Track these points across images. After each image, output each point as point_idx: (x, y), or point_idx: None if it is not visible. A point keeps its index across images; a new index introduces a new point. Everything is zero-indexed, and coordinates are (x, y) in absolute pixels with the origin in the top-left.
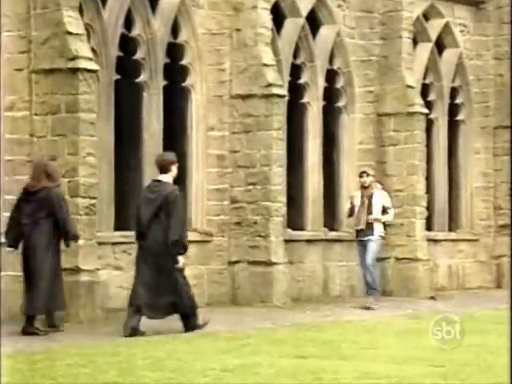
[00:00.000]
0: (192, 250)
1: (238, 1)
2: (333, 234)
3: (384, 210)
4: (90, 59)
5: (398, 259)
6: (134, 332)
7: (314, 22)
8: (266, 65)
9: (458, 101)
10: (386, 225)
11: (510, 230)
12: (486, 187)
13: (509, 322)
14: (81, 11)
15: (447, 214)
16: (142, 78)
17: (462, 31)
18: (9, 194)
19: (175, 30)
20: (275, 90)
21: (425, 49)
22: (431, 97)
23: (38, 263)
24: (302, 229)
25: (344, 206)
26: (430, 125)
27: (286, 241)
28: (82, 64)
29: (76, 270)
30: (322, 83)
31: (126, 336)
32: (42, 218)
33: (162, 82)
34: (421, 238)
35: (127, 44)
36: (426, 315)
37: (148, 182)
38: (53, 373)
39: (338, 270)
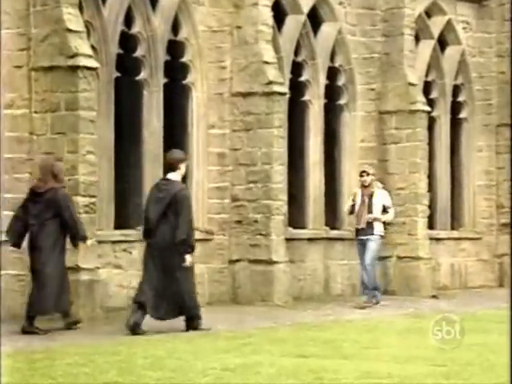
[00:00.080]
0: None
1: None
2: (334, 233)
3: (384, 210)
4: (90, 57)
5: (399, 258)
6: (136, 327)
7: (315, 19)
8: (266, 62)
9: (460, 98)
10: (386, 224)
11: (509, 228)
12: (488, 185)
13: (509, 322)
14: (81, 8)
15: (449, 212)
16: (142, 75)
17: (464, 28)
18: (8, 193)
19: (175, 27)
20: (276, 88)
21: (427, 46)
22: (433, 94)
23: (45, 264)
24: (303, 227)
25: (345, 204)
26: (432, 123)
27: (287, 239)
28: (82, 61)
29: (76, 269)
30: (323, 81)
31: (128, 331)
32: (48, 218)
33: (163, 80)
34: (423, 236)
35: (127, 41)
36: (428, 314)
37: (147, 181)
38: (52, 372)
39: (339, 268)
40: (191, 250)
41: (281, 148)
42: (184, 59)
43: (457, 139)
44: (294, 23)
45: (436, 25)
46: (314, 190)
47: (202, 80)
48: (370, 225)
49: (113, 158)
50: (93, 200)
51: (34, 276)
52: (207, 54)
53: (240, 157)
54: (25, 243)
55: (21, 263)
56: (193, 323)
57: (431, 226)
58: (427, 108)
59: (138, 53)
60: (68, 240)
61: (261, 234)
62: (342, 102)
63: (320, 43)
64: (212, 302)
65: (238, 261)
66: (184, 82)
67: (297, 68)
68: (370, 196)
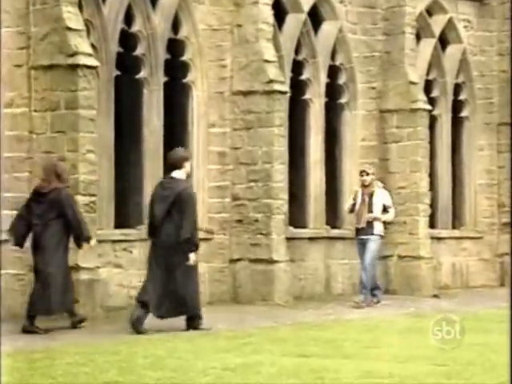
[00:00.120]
0: None
1: None
2: (335, 232)
3: (385, 209)
4: (90, 55)
5: (400, 257)
6: (138, 323)
7: (315, 17)
8: (267, 61)
9: (461, 97)
10: (386, 223)
11: (510, 227)
12: (489, 184)
13: (509, 321)
14: (80, 7)
15: (451, 211)
16: (142, 74)
17: (465, 27)
18: (8, 192)
19: (176, 25)
20: (277, 87)
21: (428, 45)
22: (434, 93)
23: (49, 264)
24: (303, 226)
25: (346, 203)
26: (433, 121)
27: (288, 238)
28: (82, 60)
29: (76, 268)
30: (324, 79)
31: (130, 327)
32: (52, 218)
33: (163, 79)
34: (424, 235)
35: (127, 40)
36: (429, 314)
37: (147, 179)
38: (52, 372)
39: (340, 267)
40: (195, 248)
41: (281, 147)
42: (184, 58)
43: (458, 138)
44: (295, 22)
45: (437, 23)
46: (315, 189)
47: (202, 79)
48: (370, 224)
49: (113, 157)
50: (93, 199)
51: (38, 276)
52: (207, 53)
53: (240, 156)
54: (28, 243)
55: (20, 262)
56: (193, 323)
57: (432, 225)
58: (428, 107)
59: (138, 51)
60: (72, 240)
61: (261, 234)
62: (342, 100)
63: (321, 42)
64: (212, 302)
65: (238, 260)
66: (184, 80)
67: (297, 66)
68: (371, 195)
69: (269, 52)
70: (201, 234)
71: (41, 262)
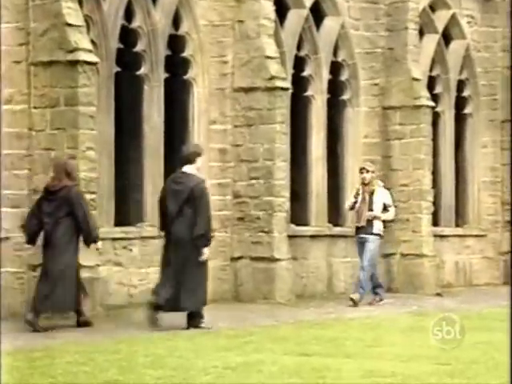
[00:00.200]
0: None
1: None
2: (337, 230)
3: (385, 208)
4: (90, 51)
5: (403, 255)
6: (155, 322)
7: (318, 13)
8: (269, 57)
9: (465, 93)
10: (386, 222)
11: (510, 225)
12: (493, 182)
13: (509, 320)
14: (80, 2)
15: (454, 209)
16: (142, 70)
17: (469, 22)
18: (7, 189)
19: (176, 21)
20: (278, 83)
21: (431, 40)
22: (438, 89)
23: (59, 262)
24: (305, 224)
25: (347, 200)
26: (436, 118)
27: (290, 236)
28: (82, 56)
29: None
30: (326, 76)
31: (150, 326)
32: (62, 216)
33: (163, 75)
34: (427, 233)
35: (127, 36)
36: (432, 312)
37: (148, 176)
38: (52, 371)
39: (342, 266)
40: (209, 243)
41: (283, 144)
42: (185, 54)
43: (461, 135)
44: (297, 17)
45: (440, 19)
46: (317, 186)
47: (203, 75)
48: (369, 223)
49: (113, 154)
50: (93, 197)
51: (46, 273)
52: (208, 49)
53: (242, 153)
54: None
55: (20, 261)
56: (194, 321)
57: (435, 222)
58: (431, 103)
59: (139, 47)
60: (81, 239)
61: (263, 231)
62: (345, 97)
63: (323, 38)
64: (214, 300)
65: (239, 258)
66: (185, 77)
67: (299, 63)
68: (371, 194)
69: (270, 48)
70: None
71: (51, 259)
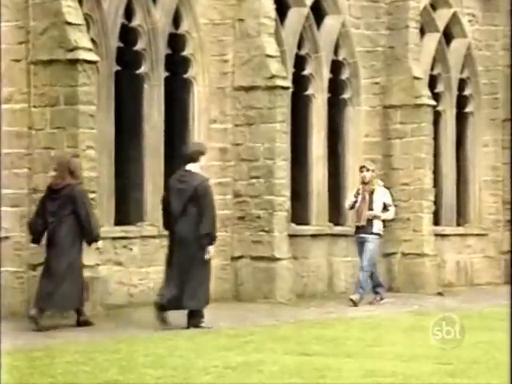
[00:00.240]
0: None
1: None
2: (338, 229)
3: (385, 207)
4: (90, 50)
5: (404, 254)
6: (164, 321)
7: (318, 11)
8: (269, 56)
9: (466, 92)
10: (386, 222)
11: (510, 224)
12: (494, 181)
13: (509, 319)
14: (80, 1)
15: (455, 208)
16: (142, 69)
17: (470, 21)
18: (7, 188)
19: (176, 20)
20: (279, 82)
21: (432, 39)
22: (439, 88)
23: (63, 261)
24: (306, 223)
25: (347, 199)
26: (437, 117)
27: (290, 236)
28: (82, 55)
29: None
30: (326, 74)
31: (161, 325)
32: (66, 215)
33: (164, 74)
34: (428, 232)
35: (127, 34)
36: (433, 312)
37: (148, 175)
38: (52, 370)
39: (343, 265)
40: (214, 242)
41: (284, 143)
42: (185, 53)
43: (463, 134)
44: (297, 16)
45: (441, 18)
46: (318, 185)
47: (203, 74)
48: (369, 222)
49: (113, 153)
50: (93, 196)
51: (51, 271)
52: (209, 48)
53: (242, 152)
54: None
55: (19, 260)
56: (194, 320)
57: (436, 222)
58: (432, 102)
59: (139, 46)
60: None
61: (263, 231)
62: (345, 96)
63: (323, 36)
64: (214, 299)
65: (240, 257)
66: (185, 75)
67: (300, 61)
68: (371, 193)
69: (271, 47)
70: None
71: (55, 258)
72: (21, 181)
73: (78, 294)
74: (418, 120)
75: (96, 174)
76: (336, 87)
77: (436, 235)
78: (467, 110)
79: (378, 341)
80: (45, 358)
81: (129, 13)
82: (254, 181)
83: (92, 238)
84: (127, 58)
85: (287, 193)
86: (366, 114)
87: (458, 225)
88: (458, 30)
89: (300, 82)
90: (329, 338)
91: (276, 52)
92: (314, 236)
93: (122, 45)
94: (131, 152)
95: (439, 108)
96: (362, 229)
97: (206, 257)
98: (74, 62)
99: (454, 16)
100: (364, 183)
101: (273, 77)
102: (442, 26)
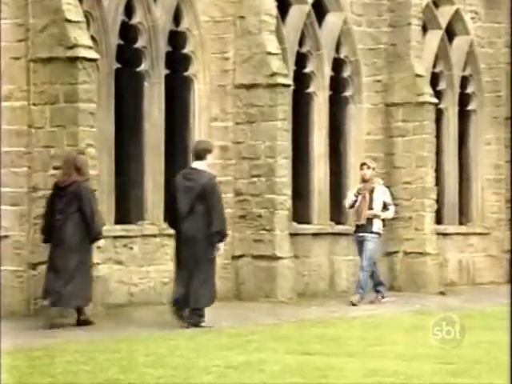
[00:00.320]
0: None
1: None
2: (339, 228)
3: (384, 206)
4: (90, 48)
5: (406, 253)
6: (183, 319)
7: (320, 8)
8: (270, 53)
9: (468, 90)
10: (385, 221)
11: (510, 223)
12: (497, 179)
13: (509, 319)
14: None
15: (457, 207)
16: (143, 66)
17: (473, 18)
18: (7, 187)
19: (177, 17)
20: (280, 80)
21: (434, 36)
22: (441, 86)
23: (71, 258)
24: (307, 222)
25: (347, 198)
26: (439, 115)
27: (292, 234)
28: (82, 53)
29: None
30: (328, 72)
31: (179, 323)
32: (72, 212)
33: (164, 71)
34: (430, 231)
35: (128, 32)
36: (435, 311)
37: (148, 174)
38: (52, 370)
39: (344, 264)
40: (225, 239)
41: (285, 141)
42: (186, 50)
43: (465, 132)
44: (299, 13)
45: (444, 15)
46: (319, 184)
47: (204, 71)
48: (369, 221)
49: (113, 151)
50: None
51: (58, 269)
52: (209, 45)
53: (243, 150)
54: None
55: (19, 259)
56: (195, 318)
57: (439, 220)
58: (435, 100)
59: (139, 44)
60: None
61: (265, 229)
62: (347, 94)
63: (325, 34)
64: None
65: (241, 256)
66: (186, 73)
67: (301, 59)
68: (371, 191)
69: (272, 44)
70: None
71: (61, 256)
72: (20, 179)
73: (86, 292)
74: (420, 118)
75: (96, 172)
76: (337, 85)
77: (438, 234)
78: (470, 107)
79: (379, 340)
80: (45, 357)
81: (129, 10)
82: (255, 179)
83: (94, 237)
84: (127, 56)
85: (288, 191)
86: (368, 111)
87: (461, 223)
88: (460, 27)
89: (301, 79)
90: (330, 337)
91: (277, 49)
92: (315, 235)
93: (122, 42)
94: (131, 150)
95: (441, 106)
96: (362, 228)
97: (216, 254)
98: (74, 60)
99: (457, 13)
100: (364, 181)
101: (274, 74)
102: (444, 23)
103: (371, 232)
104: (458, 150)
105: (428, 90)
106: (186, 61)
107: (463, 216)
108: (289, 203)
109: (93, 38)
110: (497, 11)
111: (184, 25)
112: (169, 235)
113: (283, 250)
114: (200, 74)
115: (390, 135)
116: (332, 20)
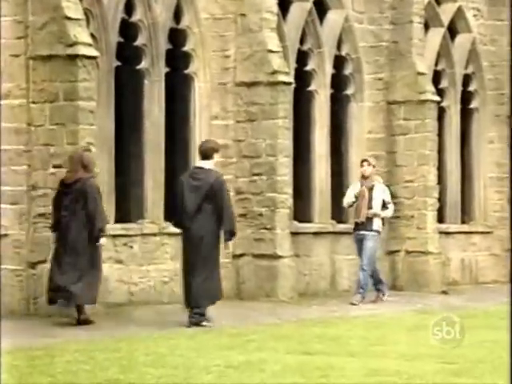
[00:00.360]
0: None
1: None
2: (340, 227)
3: (384, 205)
4: (90, 45)
5: (408, 252)
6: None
7: (321, 6)
8: (271, 51)
9: (471, 88)
10: (385, 219)
11: (510, 222)
12: (500, 178)
13: (509, 318)
14: None
15: (460, 205)
16: (143, 64)
17: (475, 15)
18: (6, 185)
19: (177, 14)
20: (281, 78)
21: (437, 34)
22: (443, 84)
23: (79, 256)
24: (308, 221)
25: (346, 197)
26: (441, 113)
27: (293, 233)
28: (81, 50)
29: None
30: (329, 70)
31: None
32: (79, 209)
33: (164, 69)
34: (432, 230)
35: (128, 29)
36: (437, 310)
37: (148, 172)
38: (52, 370)
39: (345, 263)
40: (235, 236)
41: (286, 139)
42: (186, 48)
43: (467, 130)
44: (300, 11)
45: (446, 12)
46: (320, 182)
47: (204, 69)
48: (369, 219)
49: (113, 150)
50: None
51: (65, 267)
52: (210, 43)
53: (244, 148)
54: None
55: (19, 258)
56: (196, 317)
57: (441, 219)
58: (437, 98)
59: (139, 41)
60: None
61: (265, 228)
62: (348, 91)
63: (326, 31)
64: None
65: (242, 255)
66: (186, 71)
67: (302, 57)
68: (370, 189)
69: (273, 42)
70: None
71: (68, 253)
72: (20, 178)
73: (94, 290)
74: (421, 116)
75: (96, 170)
76: (339, 83)
77: (440, 233)
78: (472, 105)
79: (381, 340)
80: (44, 356)
81: (129, 7)
82: (255, 178)
83: (95, 235)
84: (127, 54)
85: (289, 190)
86: (370, 109)
87: (463, 222)
88: (462, 24)
89: (302, 77)
90: (331, 336)
91: (278, 47)
92: (316, 234)
93: (122, 40)
94: (131, 148)
95: (443, 104)
96: (361, 226)
97: (226, 252)
98: (74, 58)
99: (459, 10)
100: (364, 177)
101: (275, 72)
102: (446, 20)
103: (371, 230)
104: (460, 149)
105: (430, 87)
106: (186, 59)
107: (465, 214)
108: (290, 202)
109: (93, 36)
110: (499, 8)
111: (184, 22)
112: (169, 234)
113: (284, 248)
114: (200, 72)
115: (392, 133)
116: (333, 17)
